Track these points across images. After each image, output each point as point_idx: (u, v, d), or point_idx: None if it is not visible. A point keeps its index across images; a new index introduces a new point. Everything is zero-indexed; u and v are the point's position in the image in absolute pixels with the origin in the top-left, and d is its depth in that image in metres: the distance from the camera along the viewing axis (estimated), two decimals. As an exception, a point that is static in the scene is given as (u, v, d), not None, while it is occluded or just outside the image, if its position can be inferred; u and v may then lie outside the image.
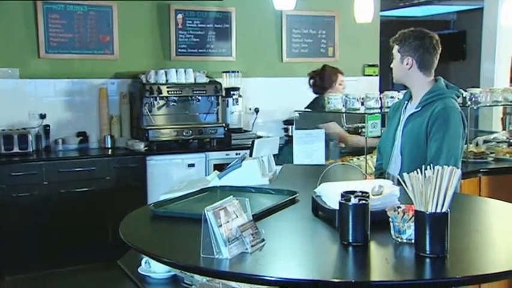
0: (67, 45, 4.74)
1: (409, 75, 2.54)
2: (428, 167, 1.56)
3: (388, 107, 3.71)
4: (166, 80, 4.75)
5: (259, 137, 4.74)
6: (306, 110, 4.90)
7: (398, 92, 3.93)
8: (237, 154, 4.60)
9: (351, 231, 1.62)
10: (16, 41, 4.60)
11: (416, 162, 2.17)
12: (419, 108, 2.51)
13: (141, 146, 4.61)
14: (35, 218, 4.17)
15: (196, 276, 1.83)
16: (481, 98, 3.87)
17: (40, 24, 4.62)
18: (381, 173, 2.72)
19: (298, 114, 5.07)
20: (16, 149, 4.33)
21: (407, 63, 2.51)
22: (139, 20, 5.02)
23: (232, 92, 5.08)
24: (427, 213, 1.51)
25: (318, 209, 2.01)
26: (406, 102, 2.64)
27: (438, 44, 2.53)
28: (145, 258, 1.95)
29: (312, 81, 4.10)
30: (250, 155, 2.76)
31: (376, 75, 6.08)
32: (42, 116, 4.65)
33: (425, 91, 2.52)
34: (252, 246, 1.58)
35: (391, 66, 2.61)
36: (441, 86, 2.53)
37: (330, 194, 1.93)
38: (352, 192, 1.66)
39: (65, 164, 4.36)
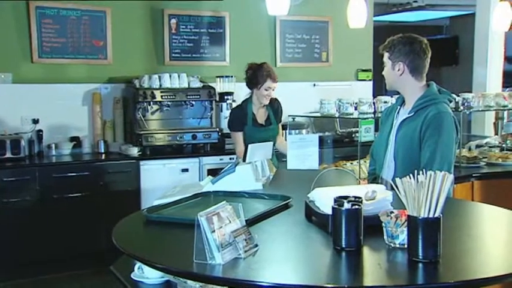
0: (60, 50, 4.73)
1: (401, 80, 2.55)
2: (421, 172, 1.57)
3: (382, 112, 3.73)
4: (160, 85, 4.74)
5: (253, 141, 4.74)
6: (304, 115, 4.93)
7: (392, 97, 3.95)
8: (230, 159, 4.59)
9: (343, 236, 1.63)
10: (9, 45, 4.58)
11: (409, 168, 2.18)
12: (412, 113, 2.52)
13: (134, 151, 4.60)
14: (27, 223, 4.15)
15: (190, 282, 1.82)
16: (473, 102, 3.90)
17: (33, 29, 4.61)
18: (374, 178, 2.73)
19: (291, 119, 5.09)
20: (9, 154, 4.30)
21: (398, 69, 2.53)
22: (133, 25, 5.02)
23: (226, 97, 5.08)
24: (420, 218, 1.52)
25: (311, 214, 2.01)
26: (398, 107, 2.65)
27: (428, 48, 2.55)
28: (138, 264, 1.95)
29: (248, 72, 3.80)
30: (244, 160, 2.76)
31: (370, 80, 6.10)
32: (35, 121, 4.63)
33: (418, 96, 2.53)
34: (245, 251, 1.58)
35: (383, 73, 2.63)
36: (433, 91, 2.55)
37: (323, 199, 1.94)
38: (345, 197, 1.67)
39: (58, 169, 4.35)
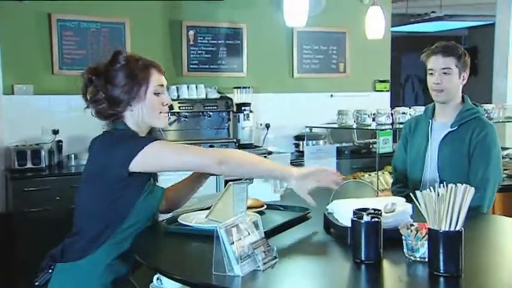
0: (80, 61, 4.78)
1: (458, 90, 2.51)
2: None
3: (400, 123, 3.70)
4: (178, 96, 4.79)
5: (270, 152, 4.74)
6: (321, 126, 4.92)
7: (410, 108, 3.93)
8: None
9: (363, 249, 1.61)
10: (30, 57, 4.66)
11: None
12: (456, 127, 2.47)
13: (152, 162, 4.62)
14: (47, 233, 4.18)
15: (208, 294, 1.82)
16: (493, 114, 3.87)
17: (54, 40, 4.68)
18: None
19: (309, 130, 5.08)
20: (29, 165, 4.36)
21: (463, 78, 2.49)
22: (151, 36, 5.07)
23: (243, 108, 5.09)
24: (441, 231, 1.50)
25: (330, 226, 2.00)
26: (430, 120, 2.56)
27: None
28: (156, 275, 1.95)
29: None
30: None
31: (387, 91, 6.08)
32: (55, 132, 4.69)
33: (458, 109, 2.49)
34: (264, 263, 1.58)
35: (439, 81, 2.45)
36: (472, 104, 2.52)
37: (342, 211, 1.93)
38: (365, 210, 1.66)
39: (78, 179, 4.32)
